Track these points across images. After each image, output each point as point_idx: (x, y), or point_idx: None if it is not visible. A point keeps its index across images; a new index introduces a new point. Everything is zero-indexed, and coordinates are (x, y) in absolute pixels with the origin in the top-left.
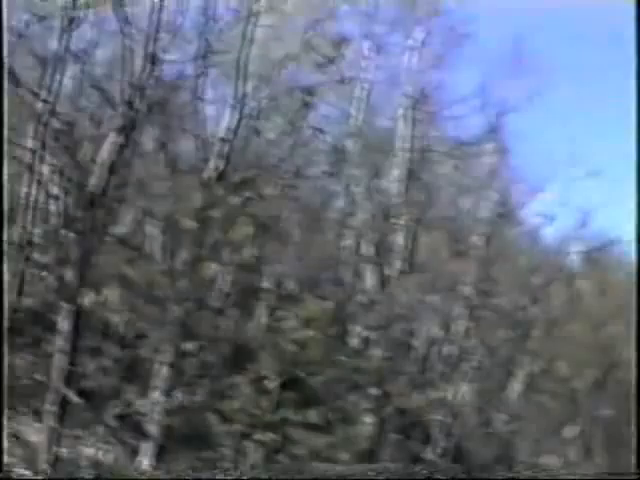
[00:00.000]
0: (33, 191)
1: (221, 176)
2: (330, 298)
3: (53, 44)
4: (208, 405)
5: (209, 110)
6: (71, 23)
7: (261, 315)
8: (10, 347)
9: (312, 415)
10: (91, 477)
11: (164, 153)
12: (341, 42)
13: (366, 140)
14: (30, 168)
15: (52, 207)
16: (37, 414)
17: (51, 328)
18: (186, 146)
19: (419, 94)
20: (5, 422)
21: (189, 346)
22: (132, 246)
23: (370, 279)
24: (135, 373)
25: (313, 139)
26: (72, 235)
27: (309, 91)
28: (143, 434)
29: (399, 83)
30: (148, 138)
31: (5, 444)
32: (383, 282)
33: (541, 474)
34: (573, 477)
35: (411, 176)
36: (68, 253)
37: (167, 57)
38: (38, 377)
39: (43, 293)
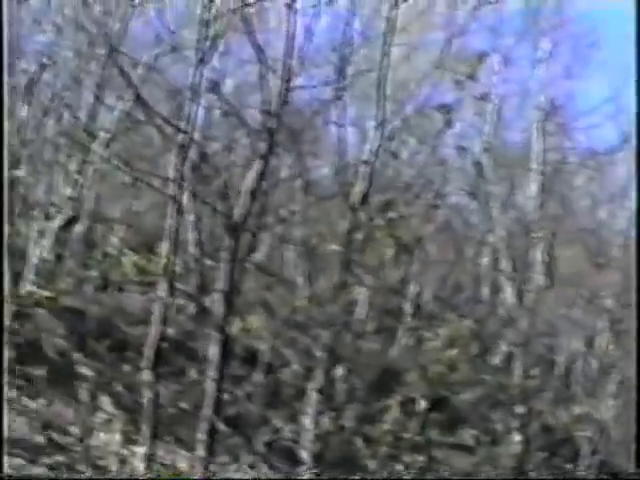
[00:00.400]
0: (175, 221)
1: (365, 199)
2: (470, 316)
3: (186, 75)
4: (357, 429)
5: (344, 133)
6: (204, 54)
7: (404, 336)
8: (156, 377)
9: (459, 435)
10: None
11: (302, 178)
12: (480, 58)
13: (500, 155)
14: (173, 199)
15: (195, 236)
16: (181, 441)
17: (193, 357)
18: (323, 171)
19: (550, 106)
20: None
21: (337, 371)
22: (271, 272)
23: (510, 295)
24: (281, 399)
25: (451, 157)
26: (217, 263)
27: (448, 109)
28: (293, 460)
29: (529, 96)
30: (285, 164)
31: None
32: (523, 298)
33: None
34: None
35: (546, 189)
36: (213, 282)
37: (302, 83)
38: (183, 405)
39: (185, 322)
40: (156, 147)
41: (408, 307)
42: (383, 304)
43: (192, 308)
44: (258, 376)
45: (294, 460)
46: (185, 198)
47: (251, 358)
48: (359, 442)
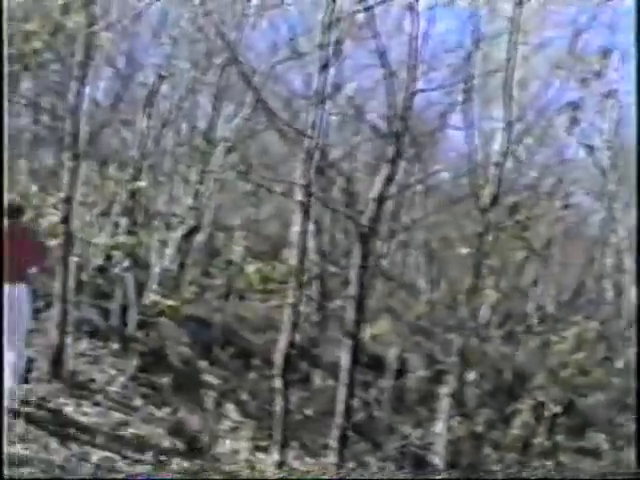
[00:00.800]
0: (302, 228)
1: (494, 201)
2: (595, 318)
3: (300, 82)
4: (486, 434)
5: (471, 136)
6: (327, 59)
7: (531, 340)
8: (285, 384)
9: (587, 439)
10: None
11: (425, 182)
12: (605, 54)
13: (622, 154)
14: (301, 205)
15: (317, 243)
16: (307, 448)
17: (316, 363)
18: (444, 174)
19: None
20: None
21: (468, 375)
22: (394, 277)
23: (634, 296)
24: (407, 405)
25: (573, 157)
26: (340, 270)
27: (574, 107)
28: (421, 465)
29: None
30: (407, 168)
31: None
32: None
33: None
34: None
35: None
36: (336, 288)
37: (421, 86)
38: (308, 412)
39: (308, 328)
40: (273, 155)
41: (532, 309)
42: (507, 307)
43: (315, 315)
44: (385, 382)
45: (422, 466)
46: (314, 203)
47: (375, 364)
48: (488, 447)
